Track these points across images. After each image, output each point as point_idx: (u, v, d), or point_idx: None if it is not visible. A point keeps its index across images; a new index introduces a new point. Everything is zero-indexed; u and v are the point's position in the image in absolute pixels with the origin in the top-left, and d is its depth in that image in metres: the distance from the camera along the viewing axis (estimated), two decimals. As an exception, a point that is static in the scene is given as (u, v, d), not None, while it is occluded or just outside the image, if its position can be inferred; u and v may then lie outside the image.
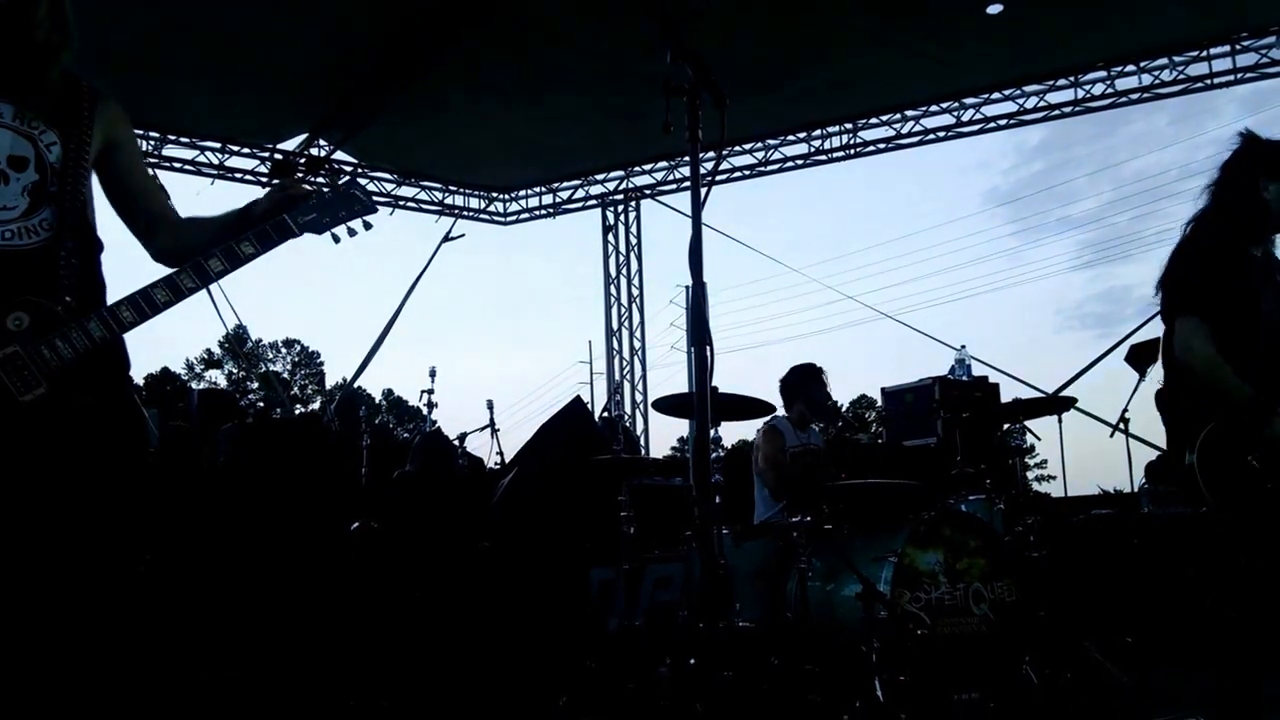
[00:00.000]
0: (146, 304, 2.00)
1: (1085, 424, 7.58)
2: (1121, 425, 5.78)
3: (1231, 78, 9.35)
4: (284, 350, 51.24)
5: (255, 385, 44.46)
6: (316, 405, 47.20)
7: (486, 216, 13.18)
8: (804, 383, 5.54)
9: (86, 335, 1.91)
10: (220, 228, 2.20)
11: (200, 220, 2.26)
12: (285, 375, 49.59)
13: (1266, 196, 3.22)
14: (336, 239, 2.40)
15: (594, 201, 13.15)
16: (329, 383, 49.88)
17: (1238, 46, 9.19)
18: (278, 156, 11.35)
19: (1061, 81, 9.96)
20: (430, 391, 7.74)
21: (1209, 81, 9.46)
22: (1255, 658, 3.10)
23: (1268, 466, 3.05)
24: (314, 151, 11.34)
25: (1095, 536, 5.60)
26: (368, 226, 2.42)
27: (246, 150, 11.28)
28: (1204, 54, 9.35)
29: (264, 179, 11.34)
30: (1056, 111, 10.17)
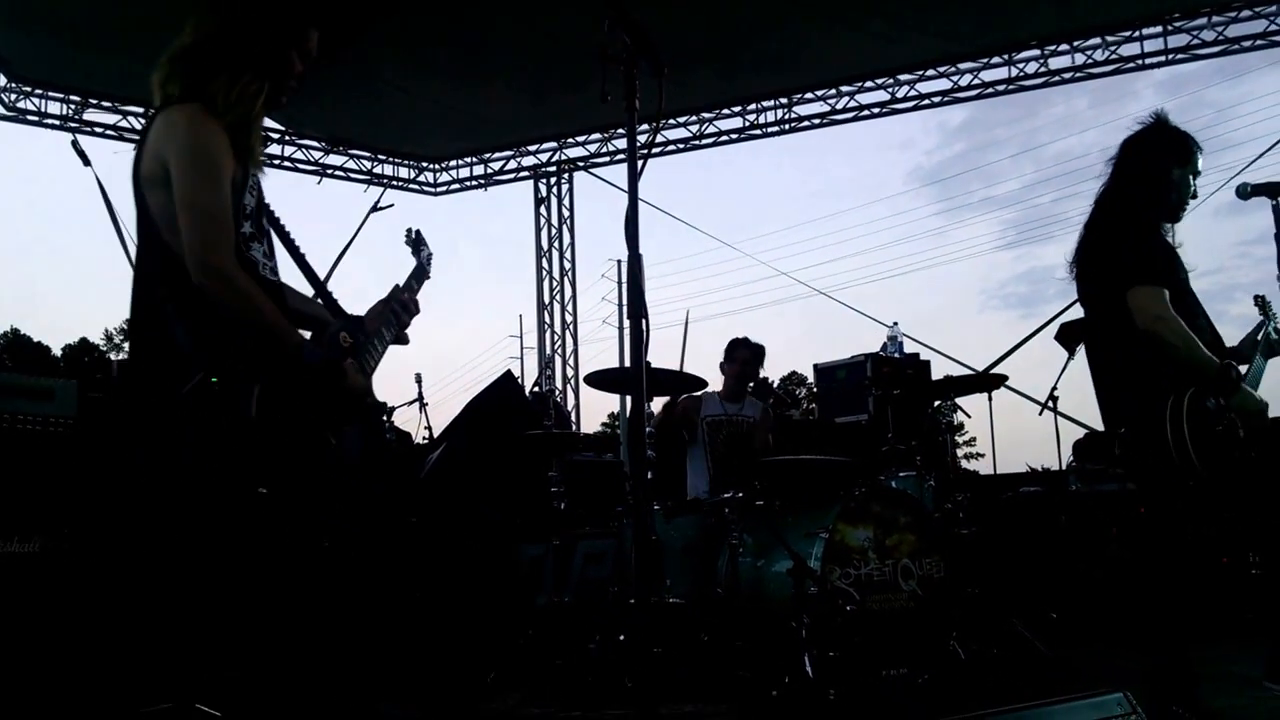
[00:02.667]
0: (391, 334, 2.70)
1: (1014, 403, 7.71)
2: (1050, 404, 5.87)
3: (1163, 58, 9.52)
4: (207, 321, 49.89)
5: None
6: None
7: (416, 187, 12.90)
8: (734, 353, 5.53)
9: (377, 351, 2.55)
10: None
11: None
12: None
13: (1174, 179, 3.29)
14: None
15: (526, 173, 12.95)
16: (253, 355, 48.75)
17: (1170, 27, 9.36)
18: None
19: (995, 60, 10.05)
20: (357, 365, 7.52)
21: (1141, 62, 9.61)
22: (1188, 629, 3.17)
23: (1230, 436, 3.12)
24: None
25: (1023, 514, 5.69)
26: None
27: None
28: (1136, 34, 9.50)
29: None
30: (990, 90, 10.26)
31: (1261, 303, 3.38)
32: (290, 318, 2.31)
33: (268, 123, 11.17)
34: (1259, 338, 3.41)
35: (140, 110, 10.57)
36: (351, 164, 12.23)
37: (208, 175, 2.17)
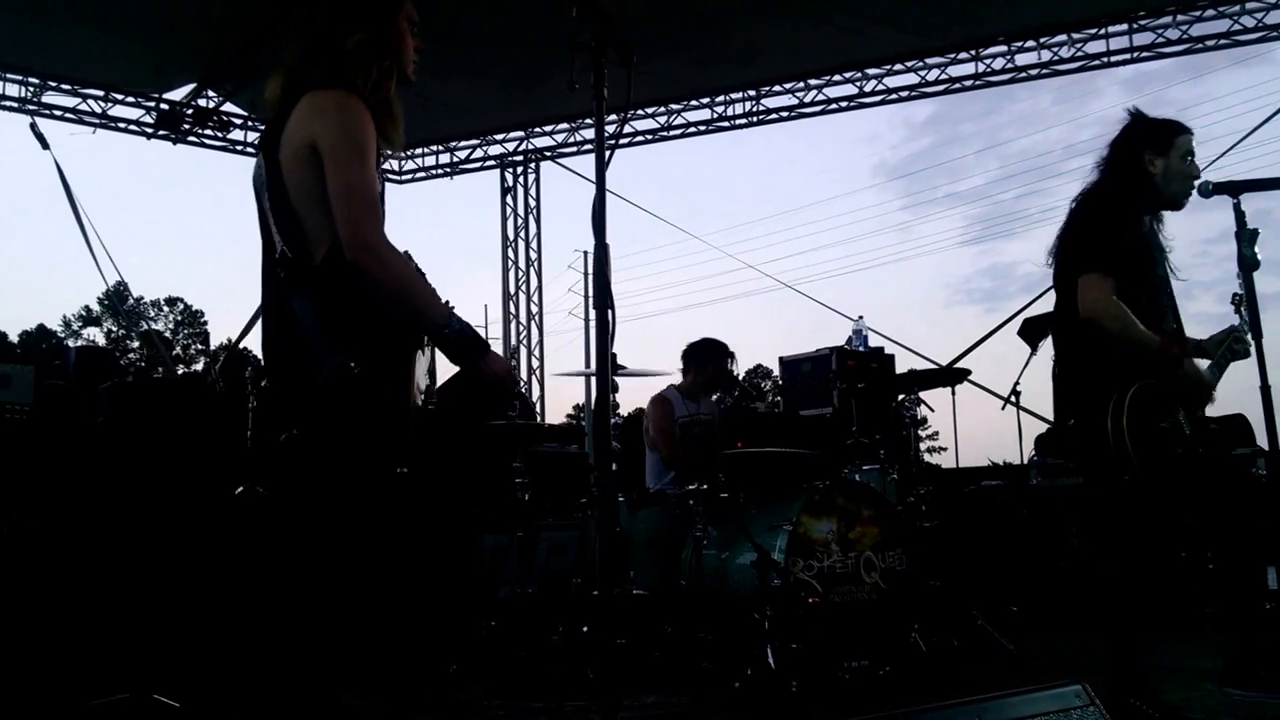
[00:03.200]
0: None
1: (977, 397, 7.77)
2: (1013, 398, 5.92)
3: (1128, 56, 9.62)
4: (166, 309, 49.26)
5: (136, 344, 42.63)
6: (200, 366, 45.54)
7: (380, 174, 12.77)
8: (710, 358, 5.46)
9: None
10: None
11: None
12: (167, 335, 47.65)
13: (1152, 170, 3.31)
14: None
15: (492, 162, 12.84)
16: (214, 343, 48.15)
17: (1135, 25, 9.46)
18: (164, 107, 10.73)
19: (963, 55, 10.10)
20: (320, 353, 7.44)
21: (1106, 59, 9.71)
22: (1138, 624, 3.20)
23: (1176, 433, 3.15)
24: (202, 103, 10.77)
25: (985, 507, 5.74)
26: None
27: (131, 99, 10.64)
28: (1102, 31, 9.59)
29: (149, 130, 10.73)
30: (957, 85, 10.31)
31: (1237, 302, 3.42)
32: None
33: (228, 107, 11.01)
34: (1225, 340, 3.44)
35: (101, 93, 10.36)
36: (315, 150, 12.09)
37: (360, 157, 2.23)
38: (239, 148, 11.43)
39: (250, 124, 11.35)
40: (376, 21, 2.39)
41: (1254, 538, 3.31)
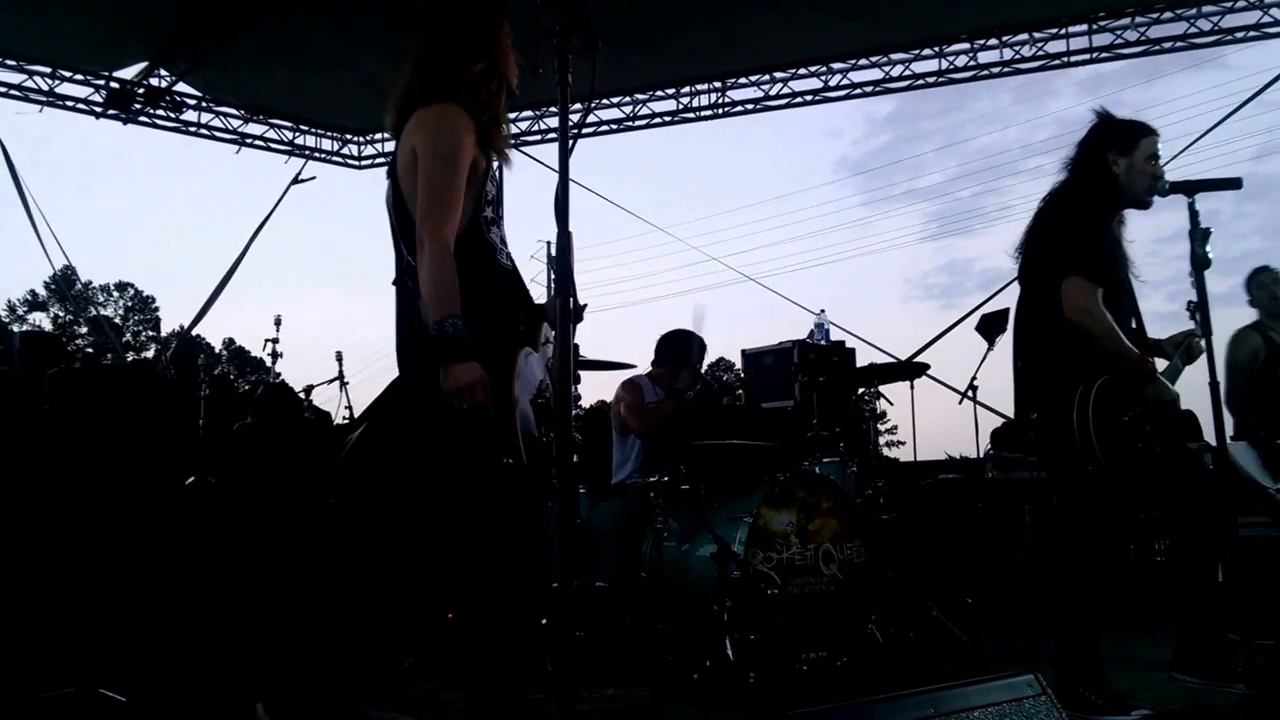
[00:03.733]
0: None
1: (935, 392, 7.84)
2: (970, 393, 5.98)
3: (1087, 56, 9.75)
4: (116, 294, 48.32)
5: (84, 330, 41.78)
6: (151, 353, 44.76)
7: (340, 159, 12.56)
8: (683, 349, 5.42)
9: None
10: None
11: None
12: (117, 321, 46.75)
13: (1116, 171, 3.35)
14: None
15: (455, 149, 12.74)
16: (165, 330, 47.34)
17: (1095, 26, 9.60)
18: (114, 85, 10.47)
19: (926, 51, 10.16)
20: (275, 341, 7.36)
21: (1066, 59, 9.84)
22: (1094, 614, 3.26)
23: (1137, 427, 3.21)
24: (154, 82, 10.53)
25: (941, 500, 5.79)
26: None
27: (80, 77, 10.36)
28: (1063, 32, 9.72)
29: (99, 109, 10.47)
30: (920, 81, 10.38)
31: (1192, 308, 3.48)
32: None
33: (181, 87, 10.77)
34: (1183, 342, 3.51)
35: (48, 70, 10.10)
36: (272, 134, 11.83)
37: (446, 158, 2.42)
38: (193, 129, 11.20)
39: (204, 105, 11.13)
40: (490, 48, 2.63)
41: (1206, 532, 3.38)
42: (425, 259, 2.34)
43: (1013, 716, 2.15)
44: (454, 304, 2.33)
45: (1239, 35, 9.43)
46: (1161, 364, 3.42)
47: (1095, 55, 9.74)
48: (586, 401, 5.32)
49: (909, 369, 5.64)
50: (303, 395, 7.08)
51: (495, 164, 2.60)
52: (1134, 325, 3.40)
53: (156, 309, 49.01)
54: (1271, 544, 5.45)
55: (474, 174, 2.48)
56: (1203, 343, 3.33)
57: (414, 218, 2.43)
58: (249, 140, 11.69)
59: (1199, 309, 3.30)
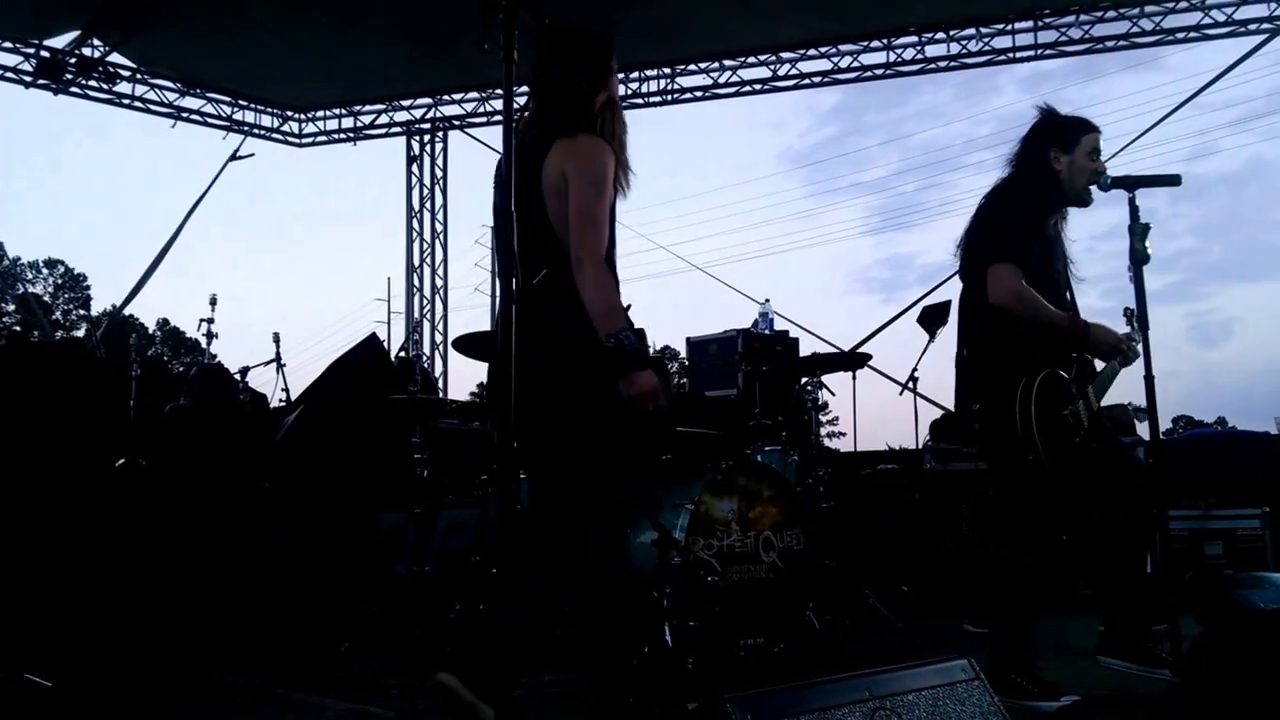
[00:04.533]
0: None
1: (876, 384, 7.92)
2: (910, 384, 6.05)
3: (1032, 53, 9.95)
4: (45, 271, 46.96)
5: (11, 308, 40.50)
6: (81, 332, 43.56)
7: (279, 136, 12.31)
8: None
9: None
10: None
11: None
12: (46, 298, 45.41)
13: (1057, 167, 3.39)
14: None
15: (399, 129, 12.52)
16: (96, 309, 46.11)
17: (1040, 23, 9.77)
18: (45, 54, 10.11)
19: (875, 44, 10.26)
20: (210, 321, 7.17)
21: (1012, 55, 10.01)
22: (1029, 604, 3.32)
23: (1075, 423, 3.25)
24: (87, 52, 10.19)
25: (880, 490, 5.86)
26: None
27: (8, 44, 9.99)
28: (1009, 27, 9.88)
29: (28, 78, 10.11)
30: (869, 73, 10.47)
31: (1129, 315, 3.54)
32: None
33: (115, 58, 10.44)
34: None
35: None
36: (210, 108, 11.55)
37: (598, 188, 2.69)
38: (127, 102, 10.88)
39: (139, 76, 10.81)
40: (608, 78, 2.90)
41: (1137, 525, 3.46)
42: (588, 279, 2.62)
43: (946, 700, 2.17)
44: (622, 318, 2.65)
45: (1179, 36, 9.67)
46: (1099, 365, 3.47)
47: (1040, 52, 9.94)
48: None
49: (851, 359, 5.69)
50: (238, 377, 6.91)
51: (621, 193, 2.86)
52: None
53: (88, 287, 47.83)
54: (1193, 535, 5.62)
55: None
56: (1139, 346, 3.38)
57: (557, 234, 2.70)
58: (185, 114, 11.40)
59: (1136, 306, 3.34)
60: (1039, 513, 3.31)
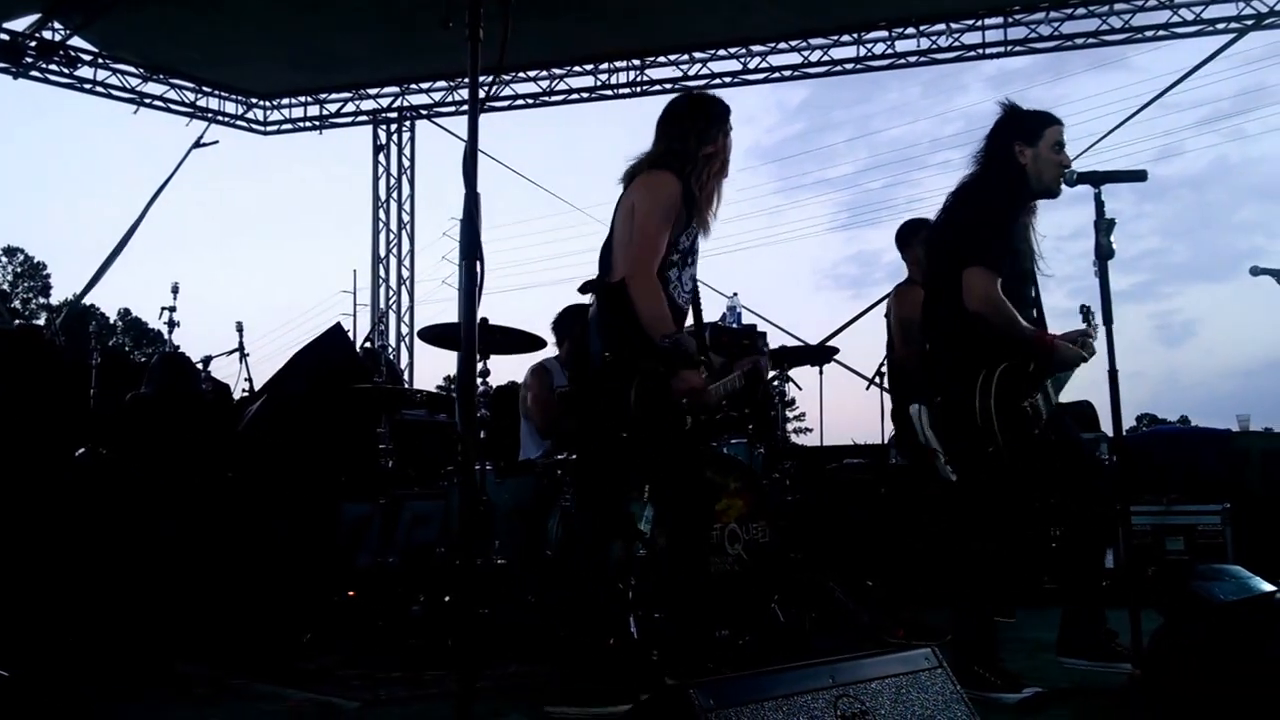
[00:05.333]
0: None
1: (842, 381, 7.95)
2: (877, 379, 6.06)
3: (1002, 49, 10.01)
4: (4, 259, 46.13)
5: (-32, 295, 39.76)
6: (41, 322, 42.83)
7: (244, 124, 12.14)
8: (576, 324, 5.38)
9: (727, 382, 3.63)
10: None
11: None
12: (5, 287, 44.59)
13: (1022, 161, 3.40)
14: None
15: (365, 118, 12.38)
16: (56, 298, 45.33)
17: (1010, 20, 9.83)
18: (3, 37, 9.89)
19: (845, 38, 10.27)
20: (172, 309, 7.07)
21: (981, 51, 10.07)
22: (990, 596, 3.34)
23: (1035, 416, 3.29)
24: (47, 35, 9.99)
25: (846, 483, 5.87)
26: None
27: (-36, 27, 9.79)
28: (979, 23, 9.93)
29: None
30: (839, 68, 10.49)
31: (1086, 312, 3.58)
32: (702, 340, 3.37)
33: (76, 41, 10.24)
34: (1077, 340, 3.60)
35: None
36: (173, 94, 11.36)
37: (654, 213, 3.15)
38: (88, 86, 10.68)
39: (101, 61, 10.61)
40: (719, 135, 3.31)
41: (1096, 519, 3.49)
42: (635, 291, 3.08)
43: (909, 688, 2.17)
44: (667, 324, 3.10)
45: (1148, 34, 9.77)
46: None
47: (1009, 49, 10.00)
48: (496, 379, 5.24)
49: (819, 353, 5.70)
50: (200, 365, 6.81)
51: (695, 226, 3.29)
52: (1035, 315, 3.47)
53: (48, 275, 47.01)
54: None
55: (675, 226, 3.18)
56: (1095, 342, 3.43)
57: (615, 254, 3.22)
58: (148, 100, 11.21)
59: (1101, 302, 3.37)
60: (998, 504, 3.32)
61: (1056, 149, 3.41)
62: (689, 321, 3.40)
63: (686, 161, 3.24)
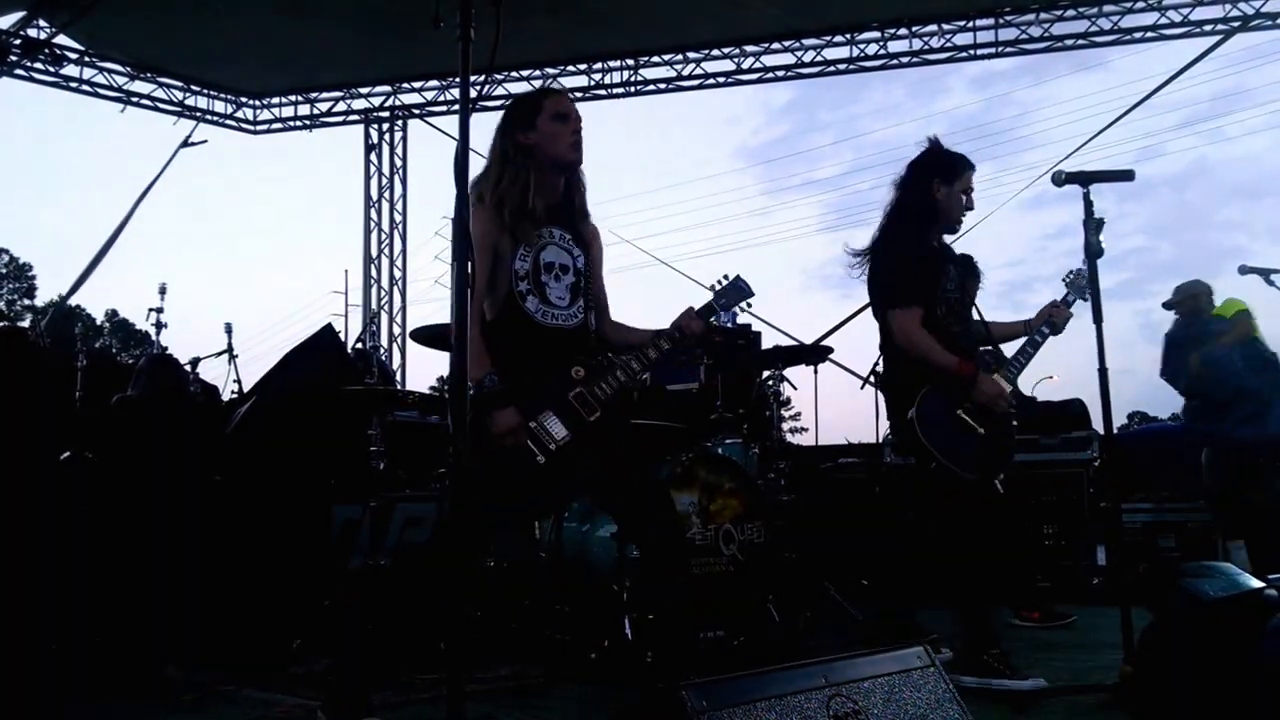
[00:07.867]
0: (639, 364, 2.96)
1: (837, 381, 7.93)
2: (871, 379, 6.06)
3: (993, 50, 10.05)
4: (-11, 259, 45.83)
5: (-45, 296, 39.54)
6: (26, 323, 42.61)
7: (233, 123, 12.08)
8: None
9: (616, 380, 2.89)
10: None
11: (623, 326, 3.21)
12: (-8, 287, 44.38)
13: (938, 196, 3.62)
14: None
15: (356, 117, 12.33)
16: (42, 299, 45.10)
17: (1001, 20, 9.86)
18: (-11, 35, 9.85)
19: (838, 38, 10.28)
20: (160, 310, 7.05)
21: (973, 52, 10.10)
22: (986, 594, 3.43)
23: (975, 419, 3.46)
24: (32, 33, 9.92)
25: (840, 483, 5.88)
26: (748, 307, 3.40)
27: (-50, 26, 9.72)
28: (970, 24, 9.96)
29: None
30: (831, 68, 10.49)
31: (1075, 275, 3.74)
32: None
33: (62, 39, 10.18)
34: (1047, 315, 3.68)
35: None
36: (160, 93, 11.29)
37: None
38: (74, 85, 10.62)
39: (87, 59, 10.55)
40: (529, 132, 2.96)
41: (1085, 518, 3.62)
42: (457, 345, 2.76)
43: (902, 687, 2.19)
44: (479, 367, 2.74)
45: (1137, 35, 9.81)
46: (1017, 344, 3.71)
47: (1000, 49, 10.04)
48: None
49: (813, 352, 5.70)
50: (189, 367, 6.78)
51: (524, 246, 2.92)
52: (958, 328, 3.62)
53: (33, 277, 46.75)
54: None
55: (499, 261, 2.91)
56: (1070, 311, 3.68)
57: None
58: (135, 99, 11.14)
59: (1091, 300, 3.41)
60: (960, 511, 3.48)
61: (967, 191, 3.65)
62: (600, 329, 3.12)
63: (493, 182, 2.94)
